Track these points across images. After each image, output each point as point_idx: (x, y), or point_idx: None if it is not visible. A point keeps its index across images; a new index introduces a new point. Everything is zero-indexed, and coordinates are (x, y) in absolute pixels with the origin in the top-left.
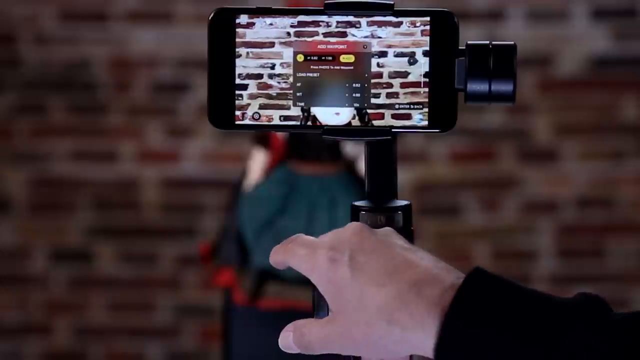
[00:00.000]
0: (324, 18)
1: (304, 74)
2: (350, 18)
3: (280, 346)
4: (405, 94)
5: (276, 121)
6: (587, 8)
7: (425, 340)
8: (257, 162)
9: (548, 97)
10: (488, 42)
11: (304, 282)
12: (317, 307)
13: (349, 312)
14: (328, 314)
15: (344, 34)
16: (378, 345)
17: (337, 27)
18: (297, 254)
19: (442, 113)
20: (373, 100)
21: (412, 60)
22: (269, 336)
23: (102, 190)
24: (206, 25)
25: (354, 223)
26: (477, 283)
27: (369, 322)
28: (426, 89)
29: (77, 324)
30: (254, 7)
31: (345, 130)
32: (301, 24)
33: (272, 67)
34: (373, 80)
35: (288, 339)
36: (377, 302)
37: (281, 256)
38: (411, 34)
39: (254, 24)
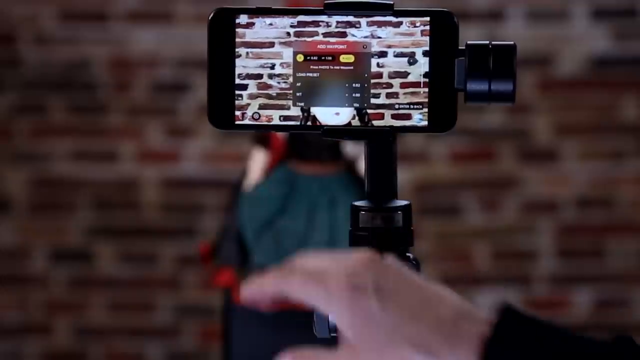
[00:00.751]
0: (324, 18)
1: (303, 74)
2: (350, 18)
3: None
4: (405, 94)
5: (276, 121)
6: (587, 8)
7: None
8: (257, 162)
9: (548, 97)
10: (488, 42)
11: None
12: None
13: (379, 345)
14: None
15: (343, 34)
16: None
17: (337, 27)
18: (304, 285)
19: (442, 113)
20: (373, 100)
21: (412, 60)
22: (268, 336)
23: (102, 190)
24: (206, 25)
25: (358, 251)
26: (511, 322)
27: (405, 356)
28: (426, 89)
29: (77, 324)
30: (254, 7)
31: (345, 131)
32: (301, 24)
33: (272, 67)
34: (373, 80)
35: None
36: (414, 335)
37: (279, 287)
38: (411, 34)
39: (253, 24)
